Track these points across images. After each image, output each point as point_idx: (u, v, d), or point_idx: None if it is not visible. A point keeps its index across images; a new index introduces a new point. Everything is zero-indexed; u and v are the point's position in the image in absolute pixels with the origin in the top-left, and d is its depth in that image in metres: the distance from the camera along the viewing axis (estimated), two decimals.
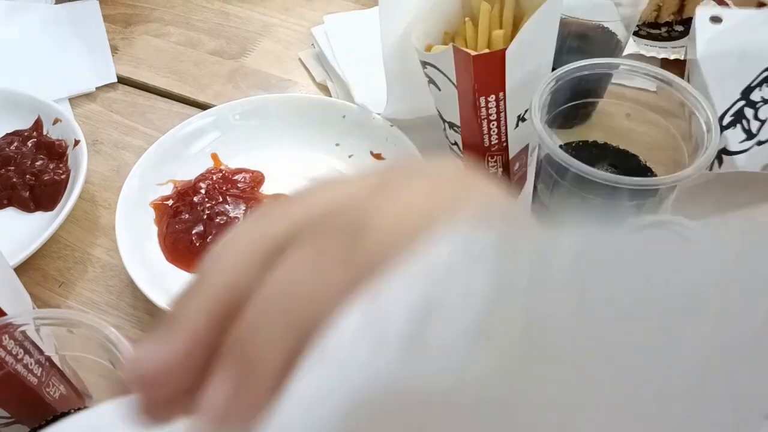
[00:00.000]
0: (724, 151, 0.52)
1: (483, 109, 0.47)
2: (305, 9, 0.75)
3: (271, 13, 0.74)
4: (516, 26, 0.50)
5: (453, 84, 0.47)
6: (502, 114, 0.47)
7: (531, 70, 0.46)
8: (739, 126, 0.50)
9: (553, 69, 0.48)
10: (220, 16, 0.74)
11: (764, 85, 0.51)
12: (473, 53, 0.43)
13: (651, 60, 0.66)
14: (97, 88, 0.66)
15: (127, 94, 0.66)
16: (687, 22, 0.71)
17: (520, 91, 0.46)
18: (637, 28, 0.67)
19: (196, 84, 0.66)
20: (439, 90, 0.49)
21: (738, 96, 0.51)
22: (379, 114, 0.58)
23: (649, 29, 0.70)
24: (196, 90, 0.65)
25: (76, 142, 0.56)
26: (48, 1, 0.73)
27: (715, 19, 0.59)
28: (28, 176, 0.55)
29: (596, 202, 0.42)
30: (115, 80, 0.66)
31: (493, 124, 0.48)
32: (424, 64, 0.49)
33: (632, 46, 0.67)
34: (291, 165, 0.58)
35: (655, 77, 0.46)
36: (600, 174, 0.39)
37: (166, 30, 0.72)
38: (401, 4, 0.51)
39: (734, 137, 0.51)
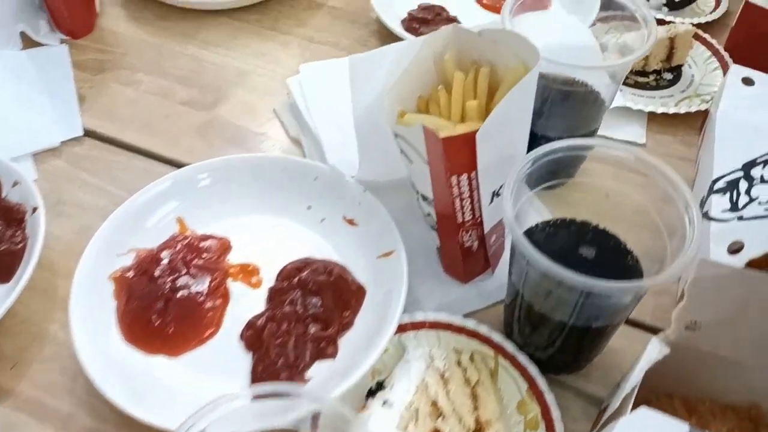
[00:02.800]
0: (705, 214, 0.50)
1: (455, 188, 0.44)
2: (281, 54, 0.73)
3: (247, 59, 0.72)
4: (491, 94, 0.48)
5: (424, 160, 0.45)
6: (476, 192, 0.45)
7: (505, 148, 0.43)
8: (727, 195, 0.48)
9: (532, 132, 0.46)
10: (194, 63, 0.71)
11: None
12: (442, 135, 0.41)
13: (638, 113, 0.64)
14: (63, 142, 0.63)
15: (93, 149, 0.63)
16: (676, 70, 0.69)
17: (494, 169, 0.44)
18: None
19: (166, 138, 0.64)
20: (411, 162, 0.47)
21: (739, 166, 0.49)
22: (352, 177, 0.56)
23: (637, 77, 0.68)
24: (166, 145, 0.63)
25: (35, 209, 0.54)
26: (15, 48, 0.71)
27: (748, 81, 0.58)
28: None
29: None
30: (82, 134, 0.64)
31: (466, 201, 0.45)
32: (395, 134, 0.47)
33: (618, 96, 0.65)
34: (260, 230, 0.56)
35: (635, 159, 0.43)
36: (567, 276, 0.36)
37: (137, 78, 0.69)
38: (373, 71, 0.49)
39: (719, 204, 0.49)
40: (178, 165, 0.62)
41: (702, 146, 0.59)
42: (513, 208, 0.40)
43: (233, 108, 0.67)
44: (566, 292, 0.39)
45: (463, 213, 0.46)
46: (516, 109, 0.42)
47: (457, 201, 0.45)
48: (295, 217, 0.56)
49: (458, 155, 0.42)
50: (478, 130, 0.40)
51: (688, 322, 0.36)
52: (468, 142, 0.41)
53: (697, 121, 0.64)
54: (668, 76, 0.68)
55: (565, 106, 0.52)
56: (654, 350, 0.36)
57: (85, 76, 0.70)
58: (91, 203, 0.59)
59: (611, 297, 0.38)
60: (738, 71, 0.58)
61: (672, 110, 0.63)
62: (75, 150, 0.63)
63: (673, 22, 0.68)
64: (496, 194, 0.46)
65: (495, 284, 0.53)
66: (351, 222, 0.55)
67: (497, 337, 0.49)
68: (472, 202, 0.46)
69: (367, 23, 0.75)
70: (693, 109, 0.63)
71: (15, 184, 0.56)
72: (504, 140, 0.43)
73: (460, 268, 0.52)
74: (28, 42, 0.72)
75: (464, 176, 0.44)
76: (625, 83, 0.66)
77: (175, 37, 0.74)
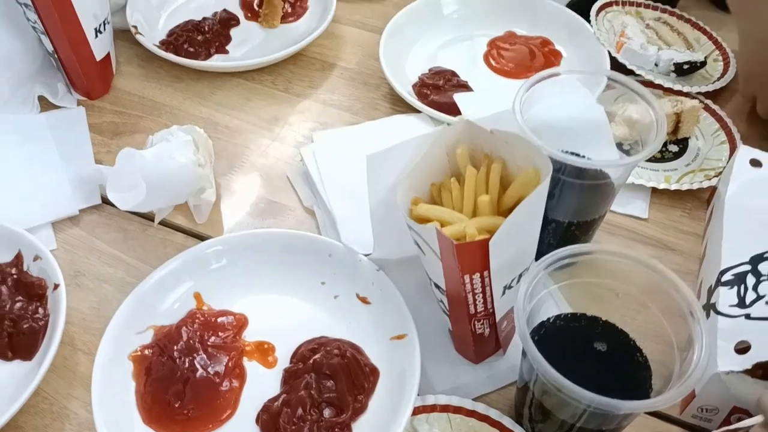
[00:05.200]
0: (713, 306, 0.51)
1: (468, 284, 0.45)
2: (295, 118, 0.74)
3: (261, 123, 0.73)
4: (503, 187, 0.49)
5: (437, 255, 0.46)
6: (488, 288, 0.46)
7: (517, 249, 0.45)
8: (735, 289, 0.49)
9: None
10: (208, 127, 0.72)
11: None
12: (456, 242, 0.42)
13: (640, 188, 0.65)
14: (81, 210, 0.65)
15: (111, 217, 0.64)
16: (682, 142, 0.70)
17: (506, 267, 0.45)
18: (628, 147, 0.66)
19: (182, 206, 0.65)
20: (424, 254, 0.48)
21: (746, 259, 0.50)
22: (365, 255, 0.57)
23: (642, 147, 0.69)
24: (180, 214, 0.64)
25: (56, 286, 0.55)
26: (33, 111, 0.72)
27: (755, 163, 0.59)
28: (6, 322, 0.54)
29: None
30: (100, 202, 0.65)
31: (478, 296, 0.47)
32: (409, 227, 0.48)
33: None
34: (276, 305, 0.57)
35: (638, 263, 0.44)
36: (575, 391, 0.38)
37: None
38: (388, 165, 0.50)
39: (726, 298, 0.49)
40: (193, 234, 0.63)
41: (710, 225, 0.61)
42: (526, 328, 0.41)
43: (247, 174, 0.68)
44: (574, 399, 0.40)
45: (476, 305, 0.48)
46: (528, 217, 0.43)
47: (470, 296, 0.47)
48: (309, 292, 0.57)
49: (471, 259, 0.43)
50: (491, 238, 0.42)
51: None
52: (481, 247, 0.42)
53: (705, 193, 0.65)
54: (674, 148, 0.69)
55: (577, 192, 0.53)
56: None
57: (102, 140, 0.71)
58: (109, 275, 0.60)
59: (620, 409, 0.39)
60: (746, 153, 0.59)
61: (674, 186, 0.64)
62: (93, 218, 0.64)
63: (680, 99, 0.69)
64: (507, 287, 0.48)
65: (506, 365, 0.54)
66: (364, 300, 0.56)
67: (508, 422, 0.50)
68: (484, 296, 0.47)
69: (379, 85, 0.77)
70: (695, 187, 0.64)
71: (36, 258, 0.58)
72: (516, 244, 0.44)
73: (472, 350, 0.53)
74: (45, 104, 0.74)
75: (477, 275, 0.45)
76: (628, 154, 0.67)
77: (189, 98, 0.76)
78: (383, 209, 0.53)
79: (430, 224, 0.45)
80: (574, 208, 0.55)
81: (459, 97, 0.68)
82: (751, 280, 0.49)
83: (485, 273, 0.45)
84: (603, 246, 0.45)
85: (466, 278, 0.45)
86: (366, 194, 0.53)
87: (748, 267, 0.50)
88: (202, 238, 0.63)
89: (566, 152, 0.58)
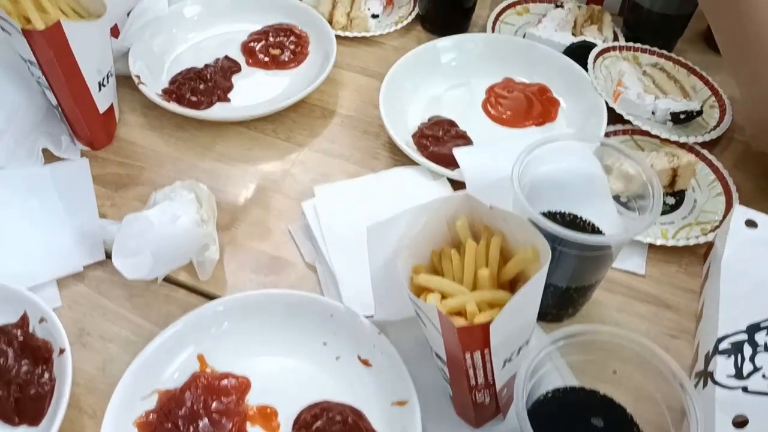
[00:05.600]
0: (710, 375, 0.52)
1: (468, 360, 0.46)
2: (297, 168, 0.75)
3: (263, 174, 0.74)
4: (504, 258, 0.50)
5: (438, 331, 0.47)
6: (488, 363, 0.47)
7: (516, 328, 0.46)
8: (732, 358, 0.50)
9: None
10: (211, 178, 0.73)
11: None
12: (457, 325, 0.43)
13: (637, 244, 0.66)
14: (85, 266, 0.65)
15: (114, 273, 0.64)
16: (679, 194, 0.71)
17: (506, 344, 0.46)
18: (625, 199, 0.67)
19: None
20: (425, 326, 0.49)
21: (743, 328, 0.51)
22: (367, 317, 0.58)
23: (640, 201, 0.70)
24: (184, 269, 0.65)
25: (62, 351, 0.56)
26: (37, 163, 0.73)
27: (751, 224, 0.59)
28: (13, 387, 0.55)
29: None
30: (103, 258, 0.66)
31: (479, 370, 0.47)
32: (411, 300, 0.49)
33: (617, 221, 0.66)
34: (278, 367, 0.58)
35: (638, 347, 0.45)
36: None
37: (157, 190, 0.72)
38: (389, 234, 0.51)
39: (724, 368, 0.50)
40: (196, 291, 0.64)
41: (706, 283, 0.61)
42: (525, 407, 0.41)
43: (249, 228, 0.69)
44: None
45: (476, 378, 0.48)
46: (527, 300, 0.44)
47: (471, 370, 0.47)
48: (311, 353, 0.58)
49: (472, 339, 0.44)
50: (491, 322, 0.43)
51: None
52: (482, 329, 0.43)
53: (702, 248, 0.66)
54: (670, 200, 0.70)
55: (575, 260, 0.54)
56: None
57: (105, 193, 0.72)
58: (113, 334, 0.61)
59: None
60: (741, 213, 0.60)
61: (671, 243, 0.65)
62: (97, 274, 0.65)
63: (676, 154, 0.69)
64: (507, 360, 0.48)
65: (506, 429, 0.55)
66: (366, 362, 0.57)
67: None
68: (484, 370, 0.48)
69: (378, 134, 0.78)
70: (692, 243, 0.65)
71: (42, 320, 0.58)
72: (516, 323, 0.45)
73: (472, 416, 0.54)
74: (49, 156, 0.74)
75: (477, 352, 0.46)
76: (625, 206, 0.68)
77: (192, 148, 0.77)
78: (384, 275, 0.53)
79: (431, 303, 0.45)
80: (572, 274, 0.56)
81: (458, 152, 0.69)
82: (747, 350, 0.49)
83: (486, 351, 0.46)
84: (598, 327, 0.46)
85: (467, 355, 0.46)
86: (366, 252, 0.54)
87: (744, 336, 0.50)
88: (205, 295, 0.64)
89: (564, 214, 0.60)
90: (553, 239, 0.51)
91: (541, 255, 0.45)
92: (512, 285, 0.51)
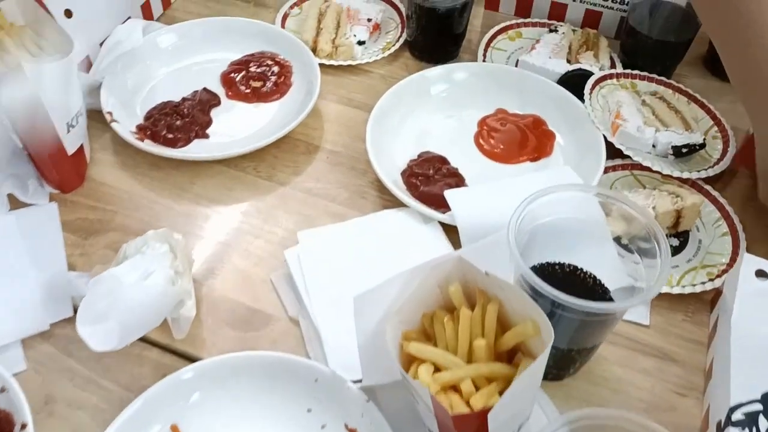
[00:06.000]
0: None
1: None
2: (279, 210, 0.70)
3: (242, 217, 0.70)
4: (501, 325, 0.46)
5: (430, 410, 0.43)
6: None
7: (515, 410, 0.42)
8: (747, 431, 0.46)
9: None
10: (187, 222, 0.69)
11: None
12: (453, 413, 0.39)
13: (638, 291, 0.62)
14: (52, 324, 0.61)
15: None
16: (683, 235, 0.67)
17: (506, 426, 0.42)
18: (627, 241, 0.63)
19: None
20: (416, 402, 0.45)
21: (758, 397, 0.47)
22: (354, 382, 0.53)
23: (641, 242, 0.66)
24: (157, 328, 0.60)
25: (23, 426, 0.51)
26: (2, 210, 0.68)
27: (762, 274, 0.56)
28: None
29: None
30: (71, 314, 0.61)
31: None
32: (403, 377, 0.45)
33: (619, 266, 0.62)
34: None
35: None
36: None
37: (127, 240, 0.66)
38: (377, 302, 0.47)
39: None
40: (170, 350, 0.60)
41: (715, 337, 0.58)
42: None
43: (228, 278, 0.65)
44: None
45: None
46: (526, 384, 0.40)
47: None
48: (294, 421, 0.54)
49: (469, 426, 0.40)
50: (490, 410, 0.39)
51: None
52: (479, 417, 0.39)
53: (708, 294, 0.62)
54: (674, 242, 0.66)
55: (577, 324, 0.50)
56: None
57: (75, 240, 0.67)
58: (82, 401, 0.56)
59: None
60: (751, 263, 0.56)
61: (676, 290, 0.61)
62: (65, 332, 0.60)
63: (680, 195, 0.65)
64: None
65: None
66: (353, 431, 0.53)
67: None
68: None
69: (366, 170, 0.74)
70: (698, 290, 0.61)
71: (2, 390, 0.54)
72: (515, 407, 0.41)
73: None
74: (15, 201, 0.70)
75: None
76: (626, 249, 0.64)
77: (168, 189, 0.72)
78: (372, 342, 0.49)
79: (424, 386, 0.41)
80: (573, 336, 0.52)
81: (449, 195, 0.65)
82: (763, 422, 0.46)
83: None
84: (611, 412, 0.42)
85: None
86: (353, 311, 0.50)
87: (759, 406, 0.47)
88: (180, 354, 0.59)
89: (564, 265, 0.56)
90: (552, 303, 0.47)
91: (542, 332, 0.41)
92: (510, 354, 0.47)
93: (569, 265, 0.56)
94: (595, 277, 0.55)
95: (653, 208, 0.64)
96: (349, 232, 0.66)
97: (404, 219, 0.67)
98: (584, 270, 0.56)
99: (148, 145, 0.72)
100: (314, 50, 0.86)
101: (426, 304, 0.49)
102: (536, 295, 0.48)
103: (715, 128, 0.77)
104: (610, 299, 0.54)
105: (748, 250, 0.65)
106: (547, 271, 0.56)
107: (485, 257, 0.50)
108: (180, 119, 0.76)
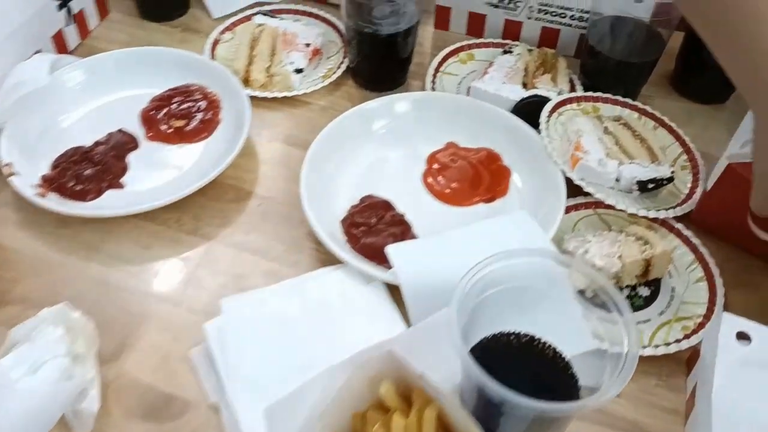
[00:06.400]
0: None
1: None
2: (202, 271, 0.62)
3: (160, 282, 0.61)
4: (443, 424, 0.39)
5: None
6: None
7: None
8: None
9: None
10: (96, 289, 0.60)
11: None
12: None
13: (605, 357, 0.54)
14: None
15: None
16: (654, 283, 0.60)
17: None
18: (592, 293, 0.56)
19: None
20: None
21: None
22: None
23: (606, 296, 0.59)
24: (55, 427, 0.52)
25: None
26: None
27: (743, 336, 0.49)
28: None
29: None
30: None
31: None
32: None
33: (583, 329, 0.54)
34: None
35: None
36: None
37: (28, 315, 0.58)
38: (295, 410, 0.40)
39: None
40: None
41: (693, 410, 0.51)
42: None
43: (141, 357, 0.56)
44: None
45: None
46: None
47: None
48: None
49: None
50: None
51: None
52: None
53: (684, 353, 0.56)
54: (645, 292, 0.59)
55: (527, 421, 0.43)
56: None
57: None
58: None
59: None
60: (731, 323, 0.50)
61: (648, 352, 0.54)
62: None
63: (650, 242, 0.58)
64: None
65: None
66: None
67: None
68: None
69: (303, 220, 0.65)
70: (672, 350, 0.54)
71: None
72: None
73: None
74: None
75: None
76: (592, 302, 0.57)
77: (76, 251, 0.63)
78: None
79: None
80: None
81: (392, 250, 0.57)
82: None
83: None
84: None
85: None
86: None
87: None
88: None
89: (519, 335, 0.49)
90: (497, 401, 0.40)
91: None
92: None
93: (525, 334, 0.49)
94: (554, 348, 0.48)
95: (619, 257, 0.57)
96: (279, 298, 0.58)
97: (343, 279, 0.59)
98: (542, 341, 0.49)
99: (51, 202, 0.63)
100: (246, 81, 0.78)
101: (355, 404, 0.41)
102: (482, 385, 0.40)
103: (684, 156, 0.71)
104: (572, 376, 0.47)
105: (726, 297, 0.59)
106: (502, 343, 0.49)
107: (427, 341, 0.43)
108: (91, 167, 0.67)
